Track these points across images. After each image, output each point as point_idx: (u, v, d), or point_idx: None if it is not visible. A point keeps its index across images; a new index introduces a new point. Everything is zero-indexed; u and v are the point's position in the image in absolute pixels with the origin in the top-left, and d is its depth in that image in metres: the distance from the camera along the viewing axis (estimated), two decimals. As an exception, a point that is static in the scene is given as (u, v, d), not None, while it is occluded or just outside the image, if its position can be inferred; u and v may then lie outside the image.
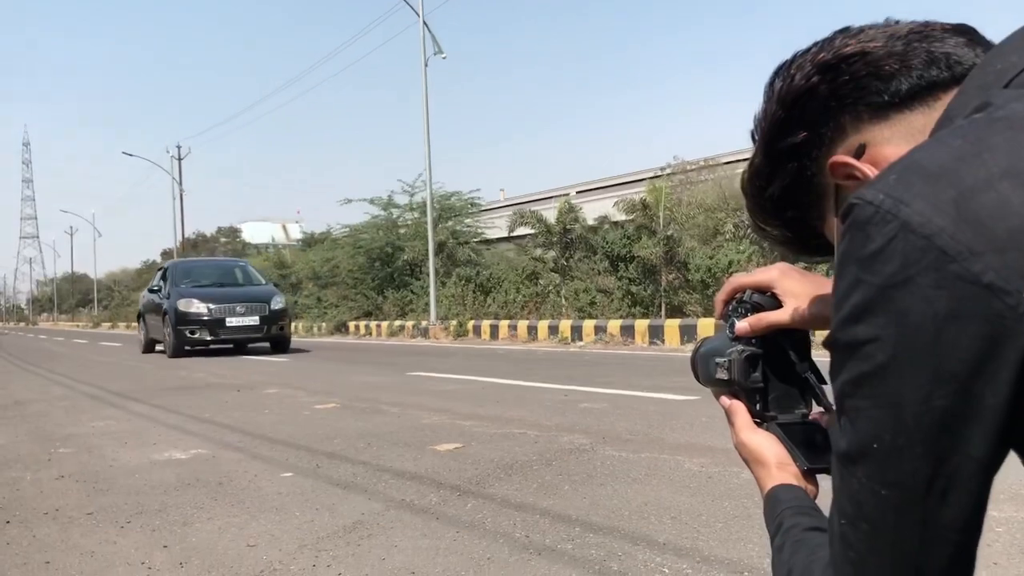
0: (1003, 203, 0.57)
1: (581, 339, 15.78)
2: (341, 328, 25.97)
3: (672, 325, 14.20)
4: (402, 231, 28.30)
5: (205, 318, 15.53)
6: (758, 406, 0.93)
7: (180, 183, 44.27)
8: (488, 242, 29.61)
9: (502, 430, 5.38)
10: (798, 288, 0.93)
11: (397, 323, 23.06)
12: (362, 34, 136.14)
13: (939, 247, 0.57)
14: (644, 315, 16.83)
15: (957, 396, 0.58)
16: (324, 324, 27.14)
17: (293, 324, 20.95)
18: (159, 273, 18.39)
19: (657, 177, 21.18)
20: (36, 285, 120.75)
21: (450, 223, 27.89)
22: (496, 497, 3.63)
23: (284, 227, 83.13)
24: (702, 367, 1.00)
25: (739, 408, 0.95)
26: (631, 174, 34.79)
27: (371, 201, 29.27)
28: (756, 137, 0.86)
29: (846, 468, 0.65)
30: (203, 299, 15.74)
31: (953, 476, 0.60)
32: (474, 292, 22.15)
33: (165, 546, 3.11)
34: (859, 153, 0.76)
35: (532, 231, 22.47)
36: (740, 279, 0.98)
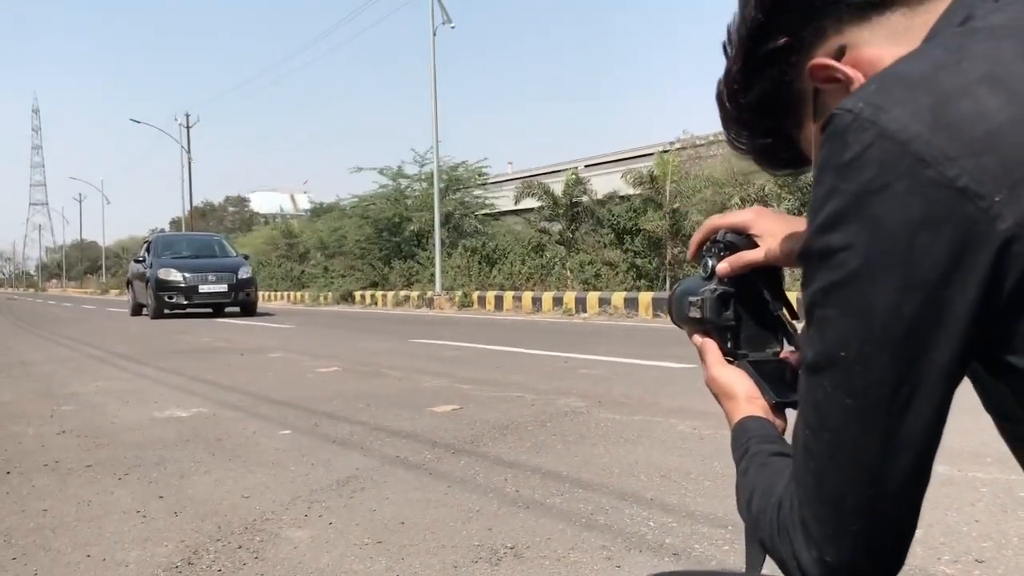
0: (980, 108, 0.57)
1: (585, 311, 15.81)
2: (347, 298, 26.04)
3: (676, 298, 14.19)
4: (409, 202, 28.30)
5: (181, 285, 17.98)
6: (730, 344, 0.94)
7: (188, 151, 44.24)
8: (495, 215, 29.58)
9: (500, 393, 5.42)
10: (774, 227, 0.93)
11: (403, 293, 23.11)
12: (372, 2, 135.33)
13: (915, 153, 0.57)
14: (649, 288, 16.83)
15: (927, 302, 0.58)
16: (330, 294, 27.23)
17: (301, 293, 24.62)
18: (145, 246, 21.10)
19: (666, 152, 21.07)
20: (45, 252, 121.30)
21: (458, 194, 27.87)
22: (489, 455, 3.68)
23: (292, 197, 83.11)
24: (676, 307, 1.02)
25: (711, 345, 0.96)
26: (641, 148, 34.61)
27: (381, 171, 29.26)
28: (731, 45, 0.85)
29: (813, 377, 0.66)
30: (180, 269, 18.25)
31: (917, 385, 0.61)
32: (479, 263, 22.17)
33: (161, 497, 3.17)
34: (839, 55, 0.75)
35: (539, 203, 22.44)
36: (715, 220, 0.98)
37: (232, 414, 4.97)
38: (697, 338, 0.98)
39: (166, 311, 18.04)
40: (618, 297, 15.53)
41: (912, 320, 0.59)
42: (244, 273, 18.68)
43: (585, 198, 21.35)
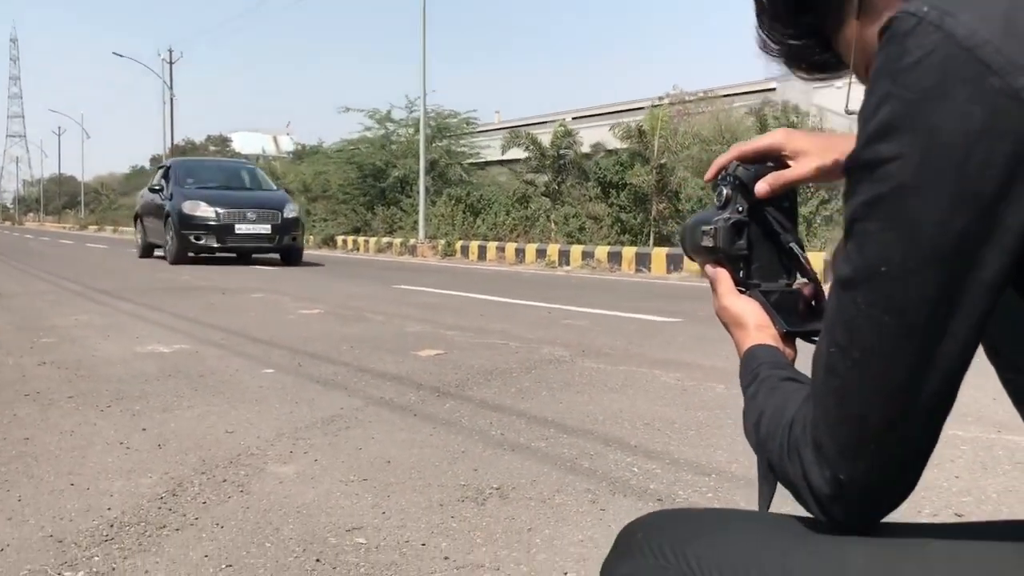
0: None
1: (568, 264, 15.80)
2: (328, 242, 25.89)
3: (659, 253, 14.22)
4: (395, 147, 28.03)
5: (212, 223, 14.30)
6: (742, 274, 0.94)
7: (171, 88, 43.51)
8: (481, 164, 29.38)
9: (484, 340, 5.42)
10: (807, 145, 0.92)
11: (385, 240, 23.00)
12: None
13: (981, 59, 0.55)
14: (632, 243, 16.82)
15: (979, 217, 0.56)
16: (311, 237, 27.06)
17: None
18: (160, 172, 16.89)
19: (656, 106, 20.92)
20: (22, 185, 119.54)
21: (445, 142, 27.63)
22: (474, 399, 3.68)
23: (275, 139, 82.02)
24: (689, 236, 1.01)
25: (723, 275, 0.95)
26: (629, 102, 34.27)
27: (369, 114, 28.90)
28: None
29: (846, 294, 0.63)
30: (211, 202, 14.52)
31: (959, 304, 0.59)
32: (464, 212, 22.05)
33: (144, 429, 3.15)
34: None
35: (526, 154, 22.28)
36: (742, 147, 0.95)
37: (214, 351, 4.94)
38: (710, 268, 0.98)
39: (191, 254, 14.51)
40: (601, 251, 15.52)
41: (962, 235, 0.57)
42: (290, 212, 15.04)
43: (572, 151, 21.22)
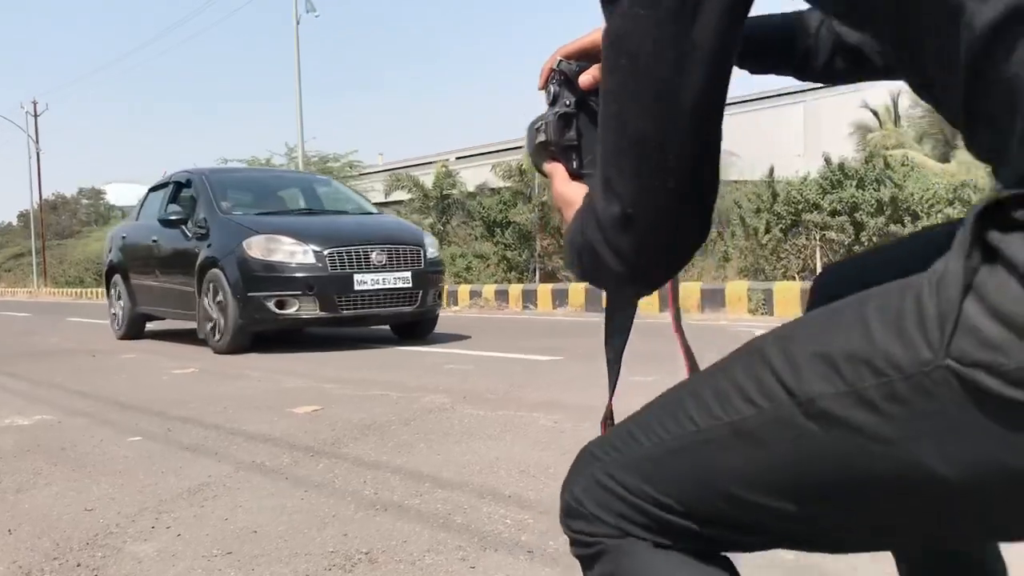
0: None
1: (457, 303, 15.81)
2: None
3: (545, 290, 14.41)
4: (276, 195, 27.64)
5: (309, 274, 7.94)
6: (574, 164, 0.97)
7: (36, 141, 41.81)
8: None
9: (365, 392, 5.36)
10: None
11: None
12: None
13: None
14: (519, 280, 16.99)
15: None
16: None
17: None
18: (168, 190, 9.89)
19: (534, 144, 21.26)
20: None
21: (327, 187, 27.35)
22: (349, 456, 3.62)
23: (152, 189, 79.63)
24: (528, 139, 1.04)
25: (557, 168, 0.98)
26: (511, 141, 34.86)
27: (249, 163, 28.46)
28: None
29: (611, 6, 0.69)
30: (301, 236, 8.13)
31: None
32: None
33: (-6, 513, 2.97)
34: None
35: (409, 196, 22.29)
36: (566, 46, 0.99)
37: (79, 421, 4.72)
38: (547, 165, 1.00)
39: (263, 328, 8.26)
40: (488, 289, 15.61)
41: None
42: (432, 250, 8.88)
43: (455, 191, 21.35)
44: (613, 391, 0.98)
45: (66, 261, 46.25)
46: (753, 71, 1.12)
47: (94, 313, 14.94)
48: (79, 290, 36.17)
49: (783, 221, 14.70)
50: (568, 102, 0.96)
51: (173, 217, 9.03)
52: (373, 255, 8.17)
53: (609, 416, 0.97)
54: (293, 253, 8.03)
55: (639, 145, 0.67)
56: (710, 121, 0.68)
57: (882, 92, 25.87)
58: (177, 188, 9.72)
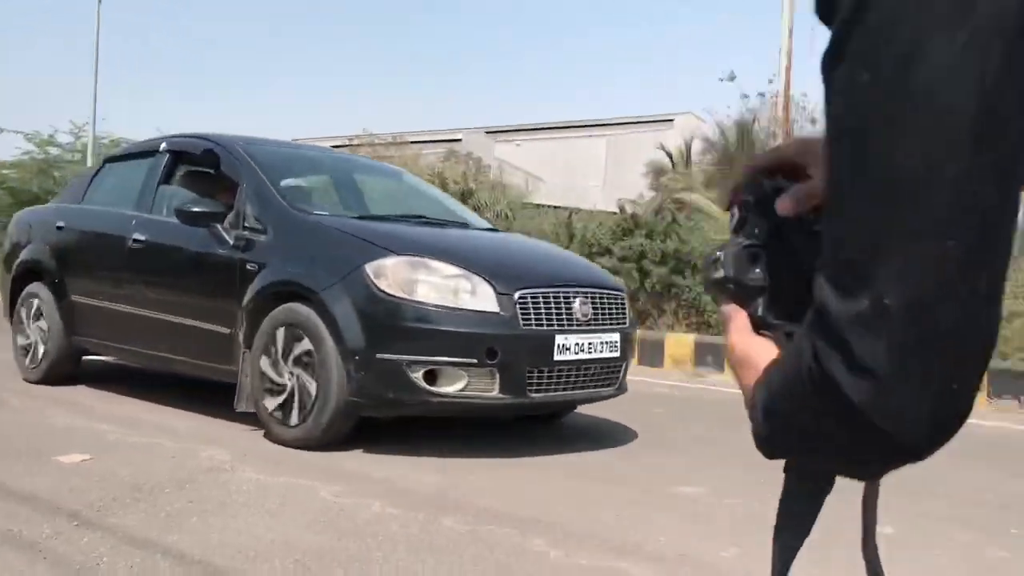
0: None
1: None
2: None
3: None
4: (58, 175, 25.69)
5: (496, 330, 4.95)
6: (760, 310, 0.76)
7: None
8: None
9: (139, 438, 5.14)
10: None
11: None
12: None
13: None
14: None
15: None
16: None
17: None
18: (157, 162, 6.57)
19: (344, 146, 21.08)
20: None
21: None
22: (117, 530, 3.49)
23: (-88, 143, 71.66)
24: (703, 271, 0.84)
25: (735, 312, 0.77)
26: (323, 138, 34.21)
27: (27, 136, 26.23)
28: None
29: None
30: (465, 263, 5.13)
31: None
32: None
33: None
34: None
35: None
36: (759, 160, 0.81)
37: None
38: (724, 307, 0.79)
39: (392, 413, 5.32)
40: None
41: None
42: (622, 294, 5.86)
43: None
44: None
45: None
46: None
47: None
48: None
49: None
50: (758, 231, 0.78)
51: (201, 209, 5.61)
52: (576, 304, 5.29)
53: None
54: (458, 292, 4.98)
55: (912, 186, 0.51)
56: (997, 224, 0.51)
57: (676, 136, 27.52)
58: (175, 161, 6.41)
